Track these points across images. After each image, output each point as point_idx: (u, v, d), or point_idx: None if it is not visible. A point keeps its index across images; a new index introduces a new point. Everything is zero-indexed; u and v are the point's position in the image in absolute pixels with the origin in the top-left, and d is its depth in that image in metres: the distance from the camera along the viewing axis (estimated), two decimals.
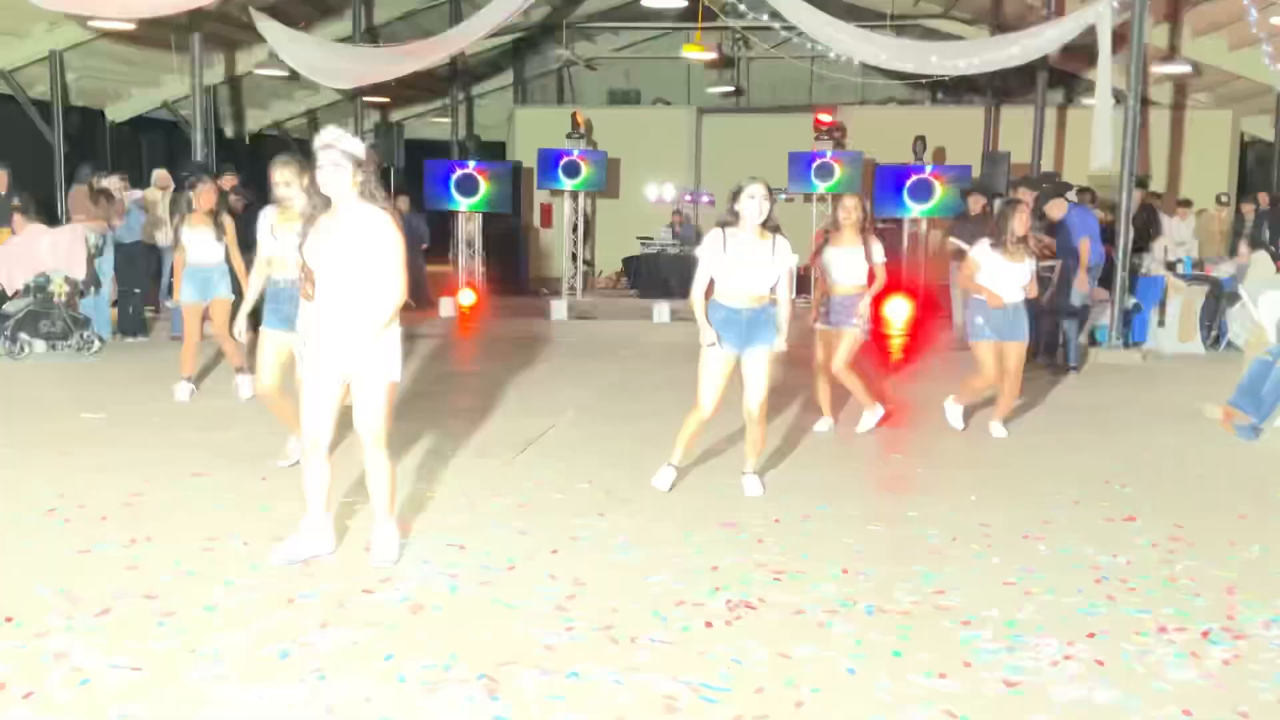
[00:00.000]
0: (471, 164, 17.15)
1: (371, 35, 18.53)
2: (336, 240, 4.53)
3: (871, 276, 7.45)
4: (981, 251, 7.50)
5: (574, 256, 18.71)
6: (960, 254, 10.64)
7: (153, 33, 16.90)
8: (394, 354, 4.65)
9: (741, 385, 5.92)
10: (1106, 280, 12.10)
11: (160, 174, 13.44)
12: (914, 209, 16.32)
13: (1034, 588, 4.55)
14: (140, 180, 13.39)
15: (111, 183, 12.49)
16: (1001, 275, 7.40)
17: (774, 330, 5.85)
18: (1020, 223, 7.41)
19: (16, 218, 11.26)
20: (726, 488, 6.11)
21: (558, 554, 4.89)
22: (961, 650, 3.88)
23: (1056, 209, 10.70)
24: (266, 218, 6.17)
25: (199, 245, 8.36)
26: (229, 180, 12.71)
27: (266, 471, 6.24)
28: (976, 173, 16.73)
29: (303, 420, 4.68)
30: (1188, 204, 16.99)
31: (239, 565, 4.66)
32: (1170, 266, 14.25)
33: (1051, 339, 11.16)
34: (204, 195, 8.49)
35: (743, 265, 5.77)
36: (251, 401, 8.23)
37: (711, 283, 5.89)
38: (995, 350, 7.47)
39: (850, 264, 7.39)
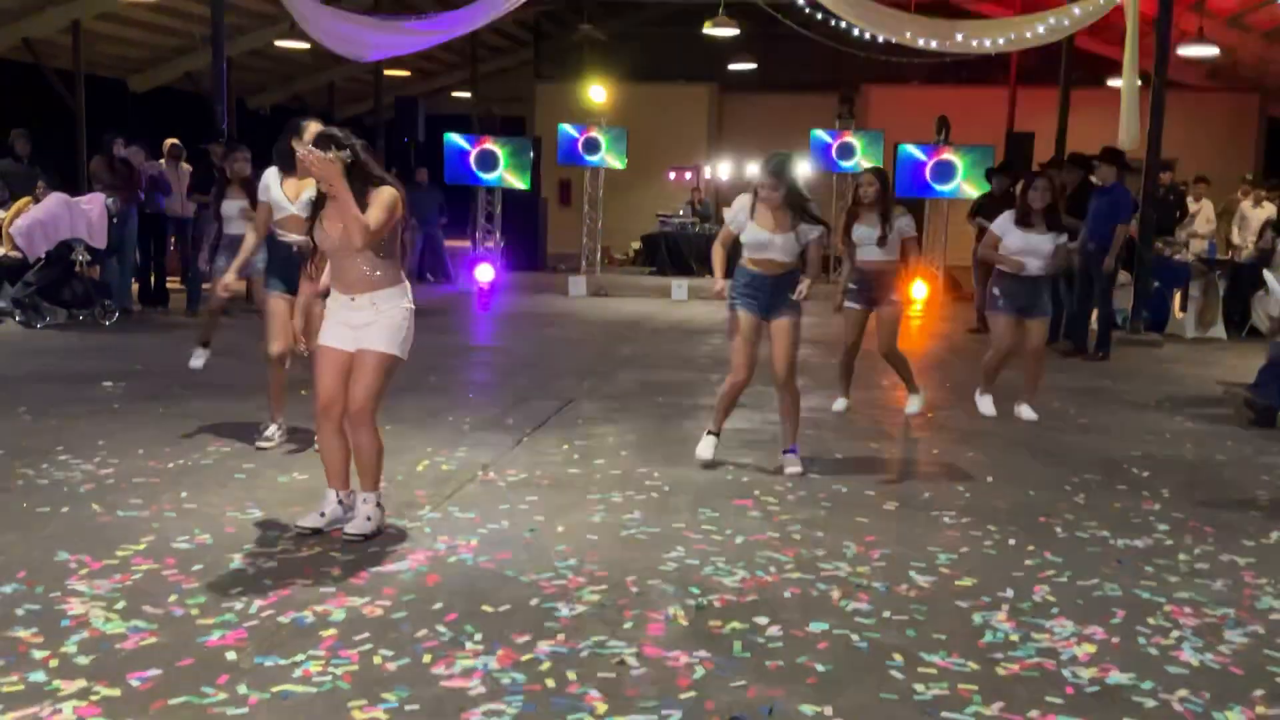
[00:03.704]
0: (491, 139, 17.12)
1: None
2: (336, 214, 4.56)
3: (903, 252, 7.33)
4: (1002, 224, 7.45)
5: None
6: (984, 233, 10.60)
7: (175, 3, 16.93)
8: (399, 330, 4.66)
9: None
10: (1129, 263, 12.02)
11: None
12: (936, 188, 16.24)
13: (1049, 570, 4.54)
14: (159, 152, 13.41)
15: (131, 153, 12.53)
16: (1021, 247, 7.32)
17: (793, 300, 5.92)
18: (1037, 197, 7.36)
19: (39, 186, 11.32)
20: (743, 464, 6.11)
21: (573, 528, 4.90)
22: (976, 630, 3.88)
23: (1105, 174, 10.57)
24: (271, 178, 6.09)
25: (235, 215, 8.39)
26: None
27: (286, 443, 6.26)
28: (999, 153, 16.64)
29: (315, 392, 4.71)
30: (1205, 182, 16.56)
31: (257, 533, 4.69)
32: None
33: (1075, 323, 11.08)
34: (237, 168, 8.49)
35: (767, 234, 5.88)
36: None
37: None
38: (1012, 325, 7.38)
39: (873, 239, 7.28)
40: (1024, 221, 7.36)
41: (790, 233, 5.88)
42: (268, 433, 6.25)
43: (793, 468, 6.00)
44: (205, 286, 12.97)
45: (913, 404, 7.59)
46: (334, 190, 4.48)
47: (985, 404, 7.60)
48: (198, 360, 8.66)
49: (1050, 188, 7.44)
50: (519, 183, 17.23)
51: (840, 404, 7.75)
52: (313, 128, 5.97)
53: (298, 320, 4.97)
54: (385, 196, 4.56)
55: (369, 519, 4.70)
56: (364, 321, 4.62)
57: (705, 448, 6.17)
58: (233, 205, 8.44)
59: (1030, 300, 7.36)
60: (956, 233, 15.95)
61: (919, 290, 14.51)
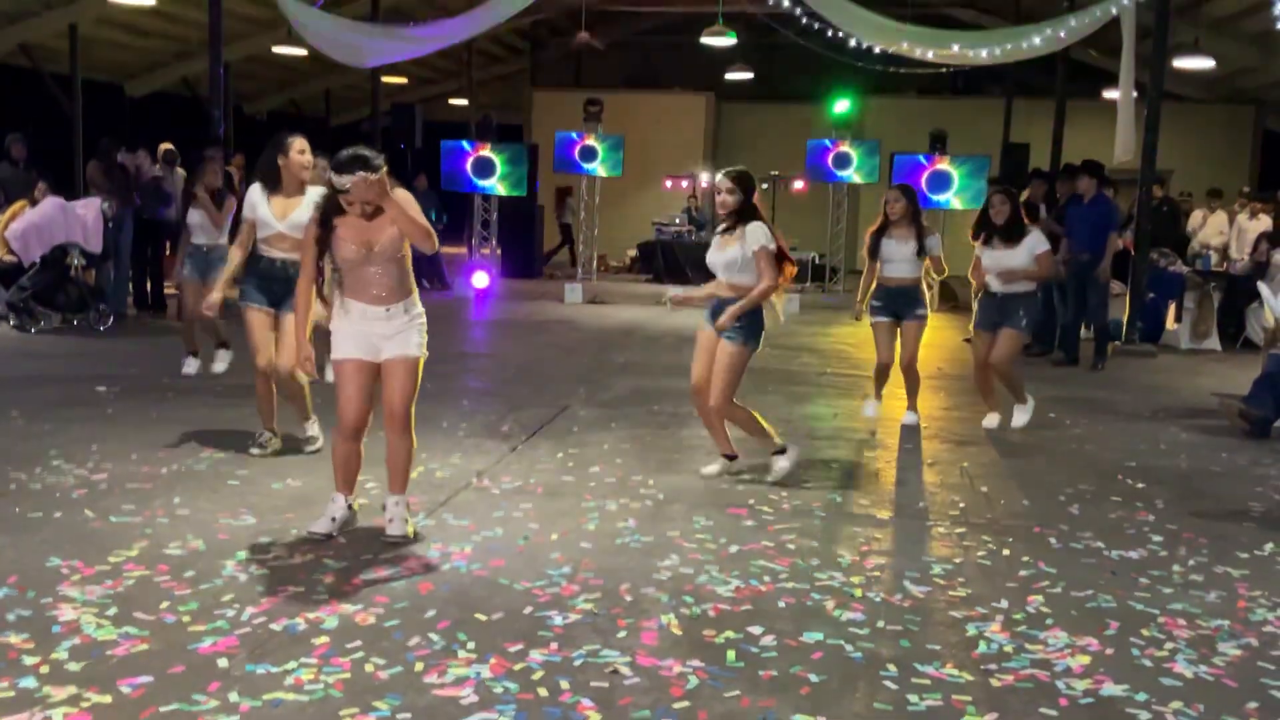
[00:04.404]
0: (488, 147, 17.13)
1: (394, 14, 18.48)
2: (364, 226, 4.57)
3: (927, 269, 7.55)
4: (978, 246, 7.68)
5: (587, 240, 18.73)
6: None
7: (172, 8, 16.92)
8: (422, 331, 4.74)
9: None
10: (1123, 274, 12.04)
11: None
12: (933, 199, 16.26)
13: (1044, 580, 4.54)
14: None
15: (130, 159, 12.53)
16: (987, 265, 7.55)
17: (739, 324, 5.77)
18: (996, 213, 7.52)
19: (38, 188, 11.30)
20: (737, 473, 6.10)
21: (567, 536, 4.89)
22: (970, 641, 3.87)
23: (1085, 186, 10.65)
24: (257, 197, 6.01)
25: (199, 224, 8.46)
26: (238, 161, 12.74)
27: (281, 450, 6.24)
28: (995, 164, 16.66)
29: (339, 404, 4.72)
30: (1219, 194, 16.68)
31: (250, 540, 4.67)
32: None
33: (1068, 334, 11.08)
34: (207, 173, 8.56)
35: (714, 254, 5.90)
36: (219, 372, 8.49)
37: None
38: (985, 340, 7.61)
39: (903, 256, 7.39)
40: (986, 239, 7.55)
41: (737, 246, 5.76)
42: (261, 440, 6.23)
43: (775, 473, 5.98)
44: (170, 292, 12.97)
45: (909, 418, 7.66)
46: (385, 205, 4.47)
47: (989, 420, 7.75)
48: (190, 368, 8.67)
49: (1008, 200, 7.60)
50: (515, 190, 17.25)
51: (871, 407, 7.80)
52: (298, 143, 5.96)
53: (304, 343, 4.90)
54: (410, 197, 4.63)
55: (406, 520, 4.76)
56: (395, 330, 4.65)
57: (710, 466, 6.12)
58: (196, 214, 8.51)
59: (1001, 316, 7.55)
60: (953, 244, 15.95)
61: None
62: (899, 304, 7.46)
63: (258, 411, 6.28)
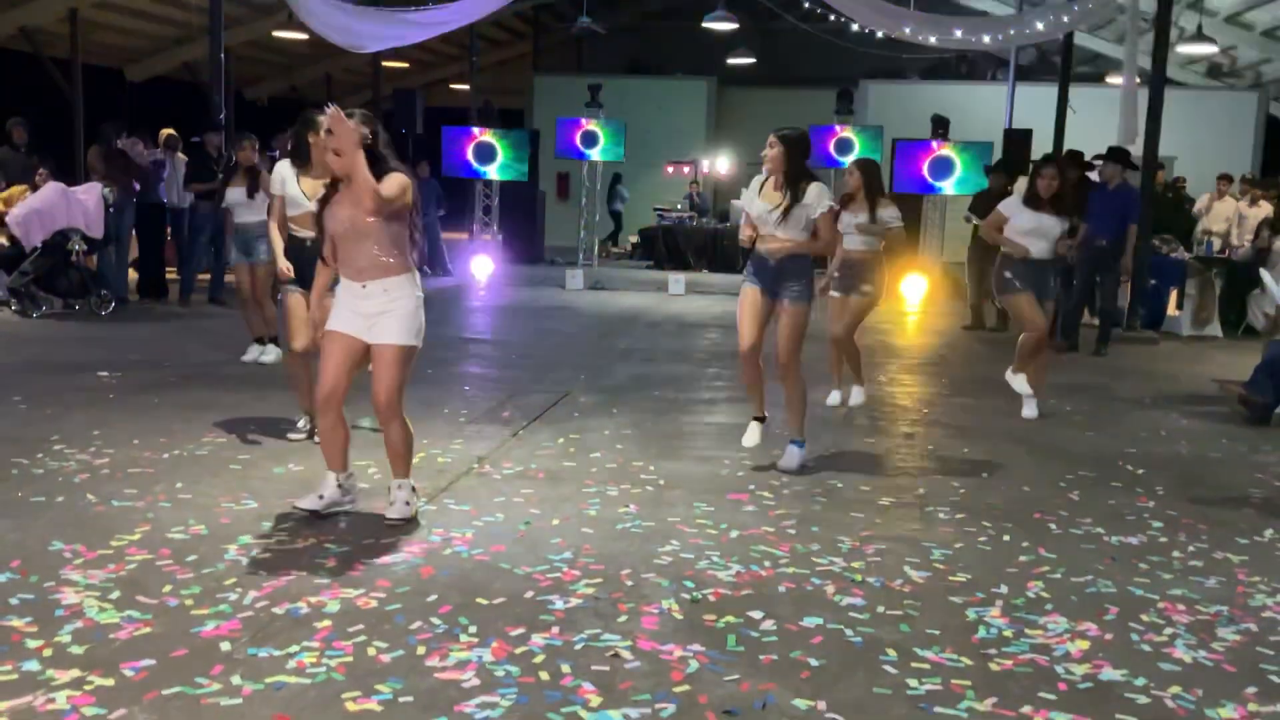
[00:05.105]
0: (489, 132, 17.10)
1: None
2: (345, 199, 4.60)
3: (887, 242, 7.44)
4: (1011, 205, 7.38)
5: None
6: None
7: None
8: (413, 319, 4.71)
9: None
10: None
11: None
12: (935, 184, 16.22)
13: (1044, 566, 4.55)
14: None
15: (127, 144, 12.51)
16: (1032, 228, 7.24)
17: (803, 283, 5.78)
18: (1044, 186, 7.27)
19: (40, 173, 11.28)
20: (739, 458, 6.11)
21: (568, 521, 4.90)
22: (969, 626, 3.88)
23: (1110, 173, 10.59)
24: (286, 173, 6.02)
25: (239, 203, 8.38)
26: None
27: (280, 433, 6.26)
28: (997, 149, 16.62)
29: (319, 378, 4.74)
30: (1228, 179, 16.63)
31: (252, 524, 4.68)
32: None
33: (1069, 320, 11.07)
34: (242, 155, 8.50)
35: (756, 204, 5.81)
36: (267, 364, 8.30)
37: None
38: (1035, 302, 7.28)
39: (851, 229, 7.34)
40: (1032, 205, 7.29)
41: (789, 206, 5.66)
42: (300, 424, 6.22)
43: (786, 461, 5.96)
44: (171, 277, 12.94)
45: (856, 395, 7.61)
46: (345, 154, 4.45)
47: (1019, 382, 7.50)
48: (254, 354, 8.54)
49: (1059, 177, 7.36)
50: (517, 175, 17.24)
51: (834, 397, 7.75)
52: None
53: (314, 311, 4.95)
54: (397, 176, 4.60)
55: (408, 503, 4.78)
56: (376, 310, 4.64)
57: (749, 436, 6.08)
58: (235, 193, 8.43)
59: (1040, 282, 7.30)
60: (955, 229, 15.95)
61: (915, 284, 14.48)
62: (851, 277, 7.41)
63: (296, 396, 6.25)
